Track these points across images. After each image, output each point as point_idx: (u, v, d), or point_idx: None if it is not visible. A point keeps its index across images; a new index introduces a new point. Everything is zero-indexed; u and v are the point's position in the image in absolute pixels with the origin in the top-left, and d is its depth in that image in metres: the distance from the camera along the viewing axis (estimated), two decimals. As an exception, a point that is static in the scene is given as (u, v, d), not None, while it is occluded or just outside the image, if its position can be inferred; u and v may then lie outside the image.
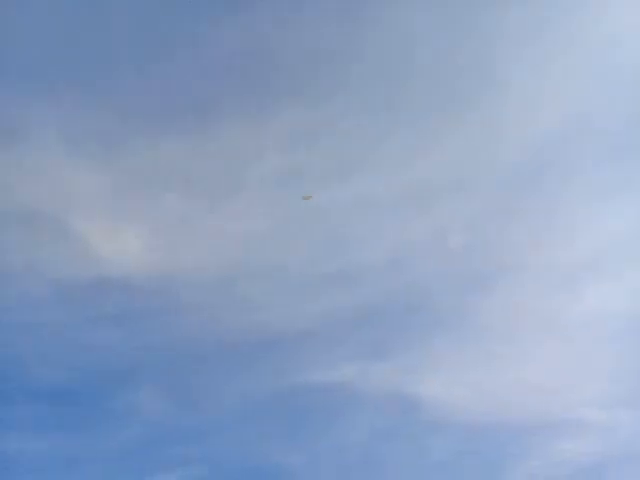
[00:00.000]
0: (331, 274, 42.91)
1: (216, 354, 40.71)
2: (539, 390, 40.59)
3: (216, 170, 42.54)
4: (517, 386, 40.66)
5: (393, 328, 42.71)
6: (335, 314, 42.10)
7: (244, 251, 42.48)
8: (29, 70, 39.96)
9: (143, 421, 38.73)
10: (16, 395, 38.24)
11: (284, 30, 41.55)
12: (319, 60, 42.89)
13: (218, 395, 40.06)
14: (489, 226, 44.07)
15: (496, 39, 43.14)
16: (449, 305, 43.08)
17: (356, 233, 43.58)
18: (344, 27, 42.13)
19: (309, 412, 40.33)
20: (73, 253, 41.48)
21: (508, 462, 38.76)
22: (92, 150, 41.15)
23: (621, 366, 41.06)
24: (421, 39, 42.65)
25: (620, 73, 43.54)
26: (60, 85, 40.32)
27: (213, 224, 42.62)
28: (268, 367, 40.88)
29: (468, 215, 44.10)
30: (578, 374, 41.28)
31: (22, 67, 39.99)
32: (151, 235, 42.17)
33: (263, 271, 42.35)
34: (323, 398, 40.40)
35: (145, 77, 41.48)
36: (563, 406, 40.03)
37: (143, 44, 40.63)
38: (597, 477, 37.84)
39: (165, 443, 38.21)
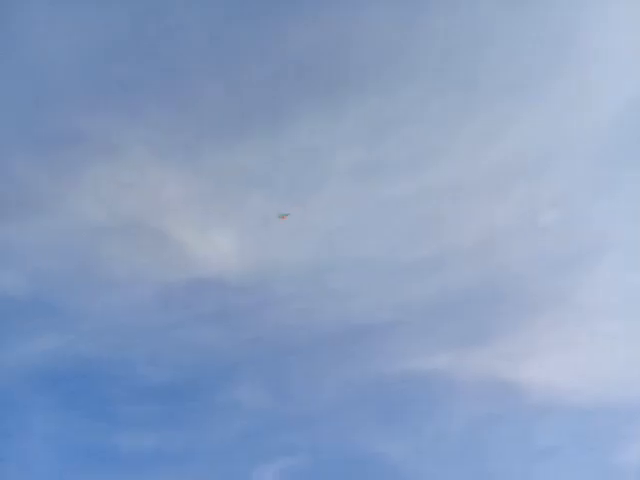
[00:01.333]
0: (419, 262, 42.79)
1: (311, 346, 41.68)
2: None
3: (295, 168, 43.54)
4: (623, 364, 38.55)
5: (487, 313, 41.93)
6: (425, 302, 41.99)
7: (329, 245, 43.22)
8: (116, 90, 42.82)
9: (245, 414, 40.24)
10: (125, 395, 40.63)
11: (351, 25, 41.85)
12: (388, 51, 42.91)
13: (315, 386, 40.97)
14: (579, 202, 42.33)
15: (578, 7, 41.42)
16: (544, 286, 41.66)
17: (441, 220, 43.16)
18: (411, 15, 41.92)
19: (407, 401, 40.34)
20: (171, 258, 43.89)
21: (619, 445, 36.85)
22: (179, 161, 43.51)
23: None
24: (493, 15, 41.59)
25: None
26: (145, 101, 43.00)
27: (297, 221, 43.63)
28: (362, 357, 41.37)
29: (555, 192, 42.63)
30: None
31: (111, 89, 42.95)
32: (240, 235, 43.86)
33: (350, 263, 42.91)
34: (420, 386, 40.36)
35: (219, 85, 43.09)
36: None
37: (210, 55, 42.23)
38: None
39: (266, 434, 39.46)
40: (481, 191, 42.91)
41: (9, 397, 40.17)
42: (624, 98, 41.30)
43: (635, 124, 41.31)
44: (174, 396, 40.81)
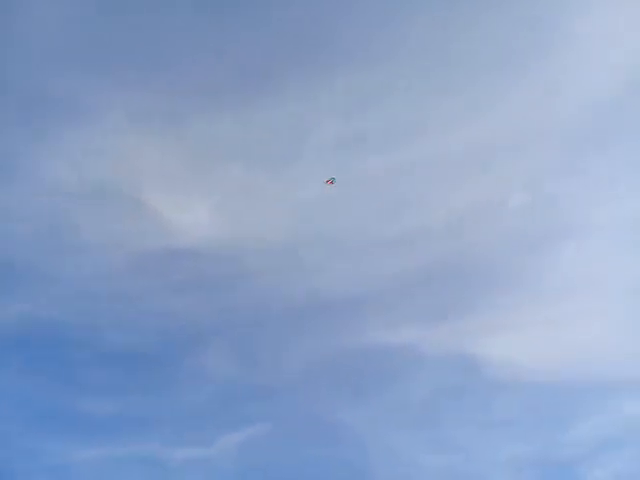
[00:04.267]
0: (391, 237, 43.62)
1: (280, 317, 42.58)
2: (602, 349, 40.04)
3: (275, 139, 43.65)
4: (579, 345, 40.33)
5: (453, 290, 43.15)
6: (395, 277, 42.95)
7: (306, 217, 43.80)
8: (94, 55, 42.13)
9: (211, 382, 41.12)
10: (92, 360, 41.00)
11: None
12: (372, 25, 42.85)
13: (283, 356, 42.01)
14: (551, 185, 43.43)
15: None
16: (509, 266, 43.01)
17: (415, 196, 43.94)
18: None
19: (371, 372, 41.68)
20: (146, 226, 43.96)
21: (570, 420, 38.82)
22: (158, 128, 43.29)
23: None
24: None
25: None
26: (123, 68, 42.43)
27: (275, 192, 43.99)
28: (330, 329, 42.41)
29: (528, 175, 43.63)
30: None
31: (87, 52, 42.19)
32: (217, 205, 44.20)
33: (324, 236, 43.58)
34: (385, 359, 41.60)
35: (200, 53, 42.82)
36: (626, 365, 39.36)
37: (195, 23, 41.79)
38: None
39: (233, 403, 40.45)
40: (455, 170, 43.71)
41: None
42: (595, 87, 42.08)
43: (606, 111, 42.19)
44: (141, 362, 41.48)
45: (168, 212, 43.92)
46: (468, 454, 38.15)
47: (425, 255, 43.42)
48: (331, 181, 39.47)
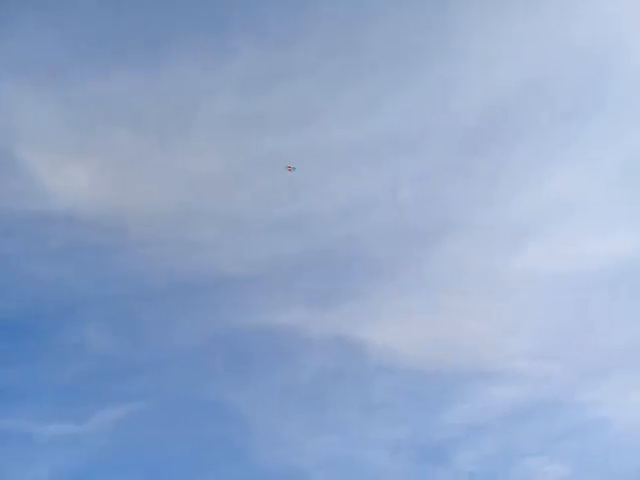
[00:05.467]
0: (281, 220, 43.46)
1: (163, 292, 40.81)
2: (477, 340, 42.44)
3: (168, 107, 41.87)
4: (456, 336, 42.42)
5: (339, 275, 43.74)
6: (283, 259, 42.71)
7: (194, 191, 42.48)
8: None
9: (88, 356, 38.65)
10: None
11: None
12: (282, 4, 42.46)
13: (165, 332, 40.30)
14: (437, 183, 45.26)
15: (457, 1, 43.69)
16: (394, 256, 44.27)
17: (308, 181, 43.93)
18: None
19: (255, 353, 41.07)
20: (18, 186, 40.37)
21: (443, 405, 40.64)
22: (41, 78, 39.75)
23: (554, 321, 43.20)
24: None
25: (574, 42, 44.77)
26: (10, 12, 38.52)
27: (163, 162, 42.19)
28: (215, 307, 41.35)
29: (418, 171, 45.16)
30: (514, 327, 43.26)
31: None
32: (100, 170, 41.51)
33: (213, 212, 42.52)
34: (270, 340, 41.14)
35: (99, 7, 40.23)
36: (498, 356, 42.00)
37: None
38: (524, 421, 40.24)
39: (111, 378, 38.26)
40: (350, 158, 44.39)
41: None
42: (488, 90, 44.55)
43: (493, 114, 44.80)
44: (11, 332, 38.35)
45: (43, 172, 40.61)
46: (348, 435, 38.73)
47: (316, 239, 43.73)
48: (291, 168, 38.78)
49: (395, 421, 39.55)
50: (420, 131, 44.76)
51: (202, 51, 41.65)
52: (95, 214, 40.72)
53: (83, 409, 36.91)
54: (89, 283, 39.76)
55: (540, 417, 40.29)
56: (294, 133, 43.58)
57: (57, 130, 41.13)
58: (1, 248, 38.92)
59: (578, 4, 44.33)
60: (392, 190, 45.28)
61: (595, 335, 41.96)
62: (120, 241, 40.75)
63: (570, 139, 45.24)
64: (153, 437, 36.64)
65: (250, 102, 42.91)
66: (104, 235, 40.70)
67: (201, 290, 41.19)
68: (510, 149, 45.37)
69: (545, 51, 44.65)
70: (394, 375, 41.13)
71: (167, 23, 41.17)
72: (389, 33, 43.47)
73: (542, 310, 43.69)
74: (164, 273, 40.87)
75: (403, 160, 45.00)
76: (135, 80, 41.41)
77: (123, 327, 39.76)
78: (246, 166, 42.88)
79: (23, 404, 36.77)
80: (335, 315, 42.28)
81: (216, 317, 40.87)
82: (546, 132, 45.06)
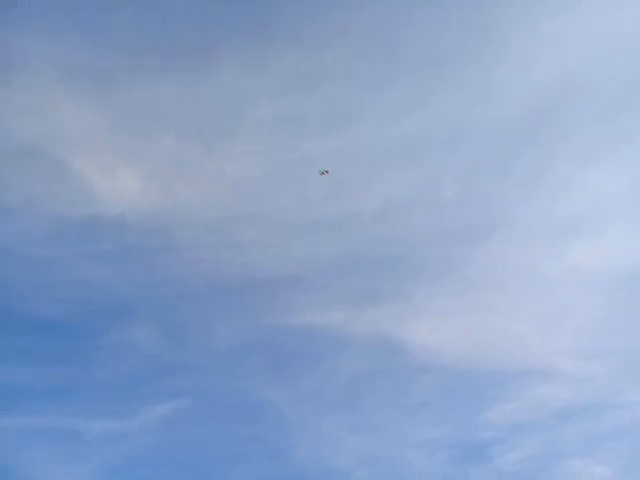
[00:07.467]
0: (322, 221, 43.92)
1: (208, 293, 41.95)
2: (519, 339, 42.26)
3: (213, 112, 42.65)
4: (498, 335, 42.32)
5: (380, 276, 43.97)
6: (325, 260, 43.31)
7: (238, 194, 43.25)
8: (28, 7, 39.61)
9: (134, 355, 40.14)
10: (13, 326, 39.32)
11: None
12: (319, 7, 42.76)
13: (207, 333, 41.49)
14: (480, 181, 44.91)
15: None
16: (436, 256, 44.27)
17: (349, 182, 44.29)
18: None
19: (296, 352, 41.87)
20: (70, 191, 42.01)
21: (484, 405, 40.61)
22: (91, 87, 41.21)
23: (600, 320, 42.54)
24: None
25: (620, 30, 43.46)
26: (59, 21, 40.11)
27: (209, 166, 43.14)
28: (258, 307, 42.20)
29: (461, 169, 44.84)
30: (558, 326, 42.87)
31: (22, 4, 39.65)
32: (148, 175, 42.74)
33: (256, 214, 43.24)
34: (310, 340, 41.93)
35: (145, 15, 41.15)
36: (541, 355, 41.77)
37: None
38: (568, 421, 39.80)
39: (155, 377, 39.67)
40: (392, 158, 44.33)
41: None
42: (525, 90, 43.81)
43: (539, 117, 44.14)
44: (61, 332, 39.97)
45: (94, 178, 42.17)
46: (387, 435, 39.19)
47: (357, 239, 44.10)
48: (325, 173, 39.56)
49: (435, 421, 39.91)
50: (460, 131, 44.48)
51: (245, 56, 42.27)
52: (143, 218, 42.11)
53: (129, 407, 38.49)
54: (136, 285, 41.28)
55: (584, 417, 39.99)
56: (334, 134, 43.92)
57: (107, 136, 42.57)
58: (55, 251, 40.70)
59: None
60: (433, 190, 45.20)
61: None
62: (166, 244, 42.09)
63: (615, 136, 44.20)
64: (195, 434, 38.00)
65: (291, 105, 43.37)
66: (151, 238, 42.10)
67: (243, 291, 42.28)
68: (553, 147, 44.58)
69: (588, 43, 43.41)
70: (434, 374, 41.43)
71: (212, 30, 41.91)
72: (427, 33, 43.23)
73: (587, 309, 43.09)
74: (207, 275, 42.10)
75: (444, 160, 44.86)
76: (181, 86, 42.43)
77: (168, 328, 41.19)
78: (287, 168, 43.50)
79: (72, 402, 38.52)
80: (375, 315, 42.79)
81: (257, 318, 41.91)
82: (590, 129, 44.11)
